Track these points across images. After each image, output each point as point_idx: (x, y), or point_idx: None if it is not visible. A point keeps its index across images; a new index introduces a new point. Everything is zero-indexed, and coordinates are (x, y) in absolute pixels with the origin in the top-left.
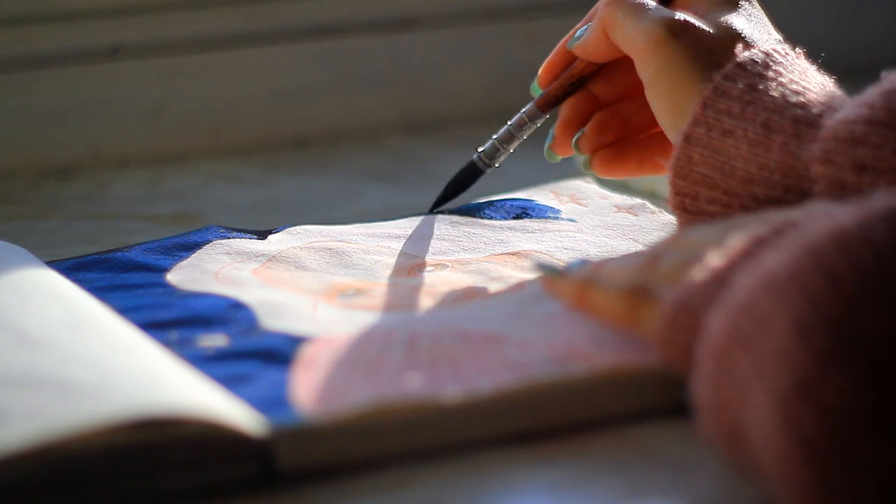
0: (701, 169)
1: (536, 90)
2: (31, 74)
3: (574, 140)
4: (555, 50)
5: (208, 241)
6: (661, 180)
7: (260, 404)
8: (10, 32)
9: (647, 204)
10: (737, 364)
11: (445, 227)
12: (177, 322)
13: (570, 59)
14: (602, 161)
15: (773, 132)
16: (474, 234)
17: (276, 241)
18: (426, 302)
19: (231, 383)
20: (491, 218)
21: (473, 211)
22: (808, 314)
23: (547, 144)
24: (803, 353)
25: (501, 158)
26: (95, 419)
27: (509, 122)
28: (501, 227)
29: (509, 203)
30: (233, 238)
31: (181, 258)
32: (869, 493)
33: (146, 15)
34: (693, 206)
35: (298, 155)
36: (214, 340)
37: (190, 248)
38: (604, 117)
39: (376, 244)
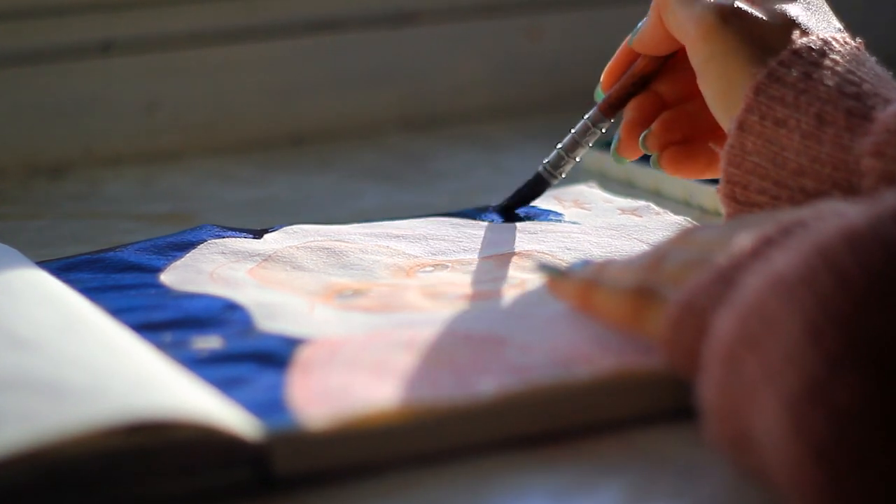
0: (754, 158)
1: (599, 95)
2: (21, 71)
3: (641, 138)
4: (617, 51)
5: (203, 241)
6: (667, 179)
7: (255, 408)
8: (0, 28)
9: (652, 206)
10: (745, 366)
11: (446, 228)
12: (170, 323)
13: (632, 59)
14: (671, 159)
15: (826, 124)
16: (475, 234)
17: (272, 241)
18: (426, 303)
19: (226, 386)
20: (492, 221)
21: (474, 215)
22: (818, 315)
23: (613, 147)
24: (813, 354)
25: (567, 167)
26: (88, 423)
27: (573, 130)
28: (502, 229)
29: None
30: (228, 237)
31: (175, 258)
32: (880, 496)
33: (139, 10)
34: (743, 196)
35: (295, 153)
36: (209, 342)
37: (184, 247)
38: (670, 115)
39: (374, 244)
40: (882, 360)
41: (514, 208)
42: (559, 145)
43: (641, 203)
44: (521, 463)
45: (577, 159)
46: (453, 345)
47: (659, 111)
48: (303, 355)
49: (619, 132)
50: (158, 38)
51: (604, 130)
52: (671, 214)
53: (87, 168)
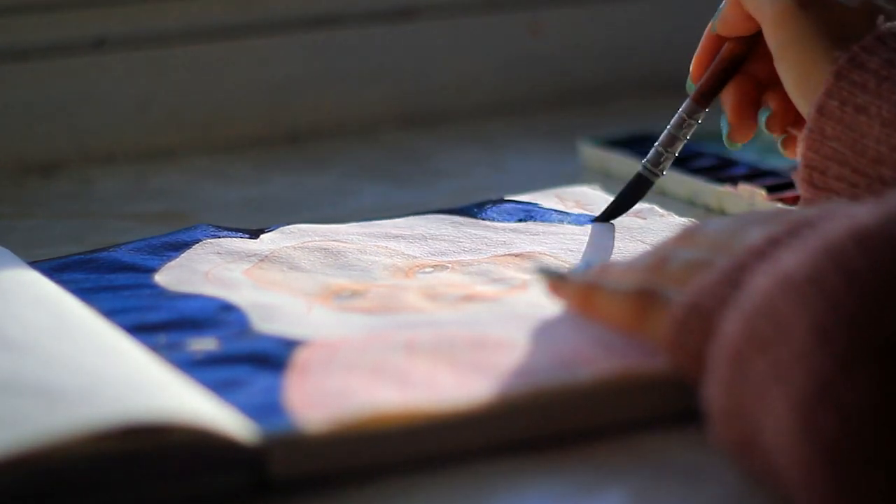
0: (833, 143)
1: (691, 86)
2: (12, 67)
3: (764, 121)
4: (702, 39)
5: (198, 241)
6: (670, 179)
7: (252, 411)
8: None
9: (656, 208)
10: (753, 367)
11: (446, 228)
12: (165, 325)
13: (718, 44)
14: (795, 144)
15: None
16: (475, 234)
17: (268, 241)
18: (425, 304)
19: (222, 389)
20: (493, 220)
21: (475, 212)
22: (827, 315)
23: (725, 134)
24: (823, 355)
25: (668, 164)
26: (81, 426)
27: (669, 125)
28: (504, 229)
29: (512, 206)
30: (223, 237)
31: (170, 258)
32: (889, 496)
33: (132, 5)
34: (821, 182)
35: (292, 151)
36: (204, 344)
37: (179, 247)
38: (781, 94)
39: (373, 244)
40: (890, 360)
41: (617, 214)
42: (656, 143)
43: (645, 205)
44: (523, 467)
45: (676, 154)
46: (453, 347)
47: (759, 92)
48: (300, 357)
49: (727, 118)
50: (152, 34)
51: (700, 121)
52: (675, 216)
53: (79, 166)
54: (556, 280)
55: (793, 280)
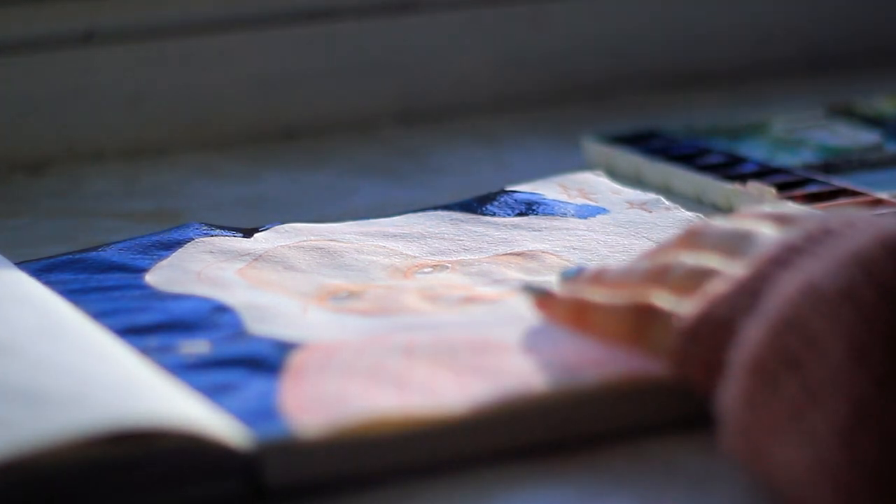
0: None
1: None
2: None
3: None
4: None
5: (190, 240)
6: (676, 175)
7: (246, 416)
8: None
9: (662, 199)
10: (784, 386)
11: (446, 226)
12: (156, 327)
13: None
14: None
15: None
16: (476, 232)
17: (262, 240)
18: (425, 306)
19: (215, 393)
20: (494, 215)
21: (475, 207)
22: (864, 333)
23: None
24: (861, 376)
25: None
26: (68, 432)
27: None
28: (505, 226)
29: (513, 198)
30: (216, 236)
31: (161, 257)
32: None
33: None
34: None
35: (287, 148)
36: (197, 347)
37: (170, 246)
38: None
39: (371, 243)
40: None
41: None
42: None
43: (651, 196)
44: (525, 473)
45: None
46: (453, 350)
47: None
48: (295, 360)
49: None
50: (143, 27)
51: None
52: (682, 210)
53: (68, 164)
54: (542, 297)
55: (822, 291)
